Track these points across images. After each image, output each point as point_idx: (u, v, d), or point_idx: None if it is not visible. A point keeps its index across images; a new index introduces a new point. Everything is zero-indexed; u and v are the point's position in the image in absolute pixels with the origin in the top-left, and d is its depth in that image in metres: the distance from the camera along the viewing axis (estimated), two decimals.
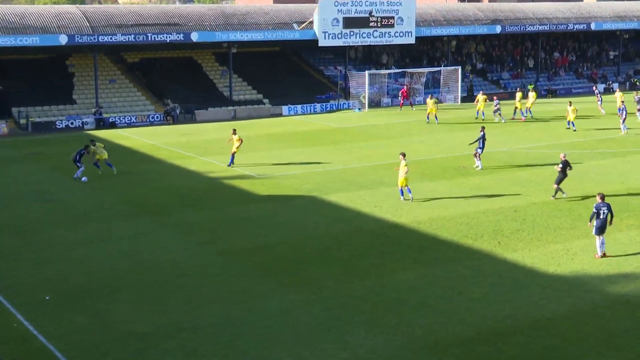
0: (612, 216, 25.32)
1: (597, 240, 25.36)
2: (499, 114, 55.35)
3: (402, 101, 63.67)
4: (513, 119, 56.26)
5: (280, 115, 61.86)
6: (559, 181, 32.81)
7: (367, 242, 27.30)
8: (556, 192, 32.89)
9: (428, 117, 55.35)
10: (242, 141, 41.04)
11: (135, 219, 30.67)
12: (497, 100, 56.79)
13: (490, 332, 19.78)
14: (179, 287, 23.16)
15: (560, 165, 32.77)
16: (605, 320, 20.44)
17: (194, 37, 60.13)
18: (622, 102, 53.20)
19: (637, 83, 78.88)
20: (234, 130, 41.85)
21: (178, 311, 21.32)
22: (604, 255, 25.21)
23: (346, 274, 24.10)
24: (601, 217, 25.05)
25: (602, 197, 25.31)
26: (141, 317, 20.94)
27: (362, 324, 20.35)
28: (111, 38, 57.32)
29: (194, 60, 67.10)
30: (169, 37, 59.31)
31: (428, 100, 56.42)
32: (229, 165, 40.33)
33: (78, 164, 37.77)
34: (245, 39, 62.28)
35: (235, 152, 40.63)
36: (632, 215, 30.22)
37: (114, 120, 57.05)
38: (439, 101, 63.79)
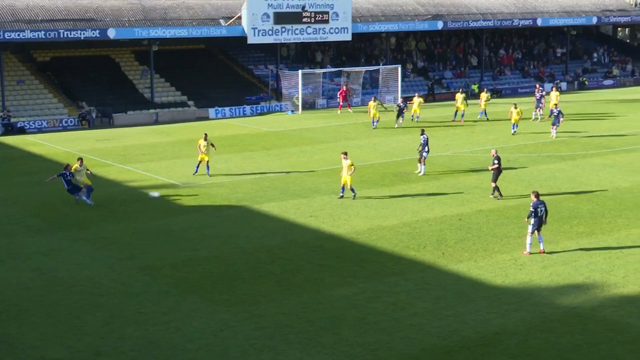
0: (546, 214, 27.02)
1: (530, 238, 26.97)
2: (402, 118, 55.02)
3: (341, 103, 63.77)
4: (454, 120, 56.94)
5: (206, 118, 61.60)
6: (496, 178, 34.47)
7: (303, 255, 27.32)
8: (494, 190, 34.55)
9: (373, 122, 54.88)
10: (214, 147, 40.23)
11: (48, 234, 30.18)
12: (403, 104, 55.87)
13: (435, 350, 19.95)
14: (97, 307, 22.84)
15: (496, 163, 34.32)
16: (556, 334, 20.79)
17: (111, 33, 59.51)
18: (556, 104, 54.40)
19: (586, 82, 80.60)
20: (205, 135, 39.97)
21: (96, 334, 21.02)
22: (542, 252, 26.91)
23: (280, 290, 24.08)
24: (538, 214, 26.75)
25: (537, 195, 27.04)
26: (55, 341, 20.58)
27: (297, 343, 20.34)
28: (19, 35, 56.36)
29: (111, 59, 66.39)
30: (84, 33, 58.59)
31: (370, 102, 55.81)
32: (208, 175, 39.39)
33: (70, 190, 34.07)
34: (168, 36, 61.91)
35: (203, 161, 39.39)
36: (582, 222, 30.87)
37: (22, 125, 56.07)
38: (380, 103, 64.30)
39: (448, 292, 23.76)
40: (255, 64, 71.32)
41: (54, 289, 24.37)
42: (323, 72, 67.91)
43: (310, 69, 68.78)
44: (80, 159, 35.37)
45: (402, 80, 69.38)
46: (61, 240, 29.33)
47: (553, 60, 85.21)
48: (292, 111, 64.05)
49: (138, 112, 60.85)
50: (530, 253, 26.92)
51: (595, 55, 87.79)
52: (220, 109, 62.57)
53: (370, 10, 72.81)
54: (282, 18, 64.34)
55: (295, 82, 64.68)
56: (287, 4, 64.43)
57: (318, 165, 42.00)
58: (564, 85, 78.92)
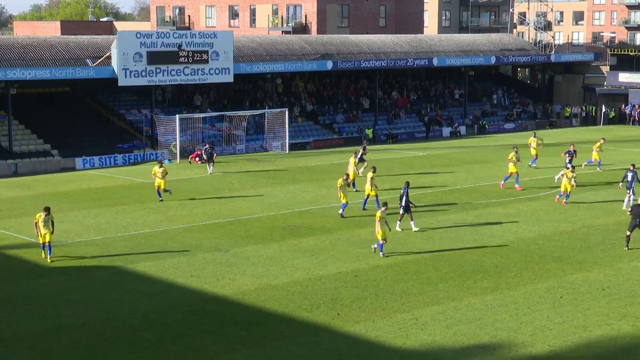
0: None
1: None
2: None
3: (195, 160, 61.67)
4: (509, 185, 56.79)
5: (73, 169, 60.61)
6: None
7: (183, 320, 27.00)
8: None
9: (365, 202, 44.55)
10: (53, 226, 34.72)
11: None
12: (205, 147, 53.17)
13: None
14: None
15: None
16: None
17: None
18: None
19: (486, 126, 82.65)
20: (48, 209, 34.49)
21: None
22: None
23: None
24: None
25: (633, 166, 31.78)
26: None
27: None
28: None
29: None
30: None
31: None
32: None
33: None
34: (28, 78, 60.77)
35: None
36: (486, 277, 31.44)
37: None
38: (264, 150, 64.41)
39: (344, 357, 23.77)
40: (128, 109, 70.71)
41: None
42: (203, 117, 67.81)
43: (189, 113, 68.60)
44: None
45: (290, 125, 69.84)
46: None
47: (451, 102, 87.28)
48: (169, 160, 63.64)
49: None
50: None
51: (494, 96, 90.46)
52: (88, 158, 61.63)
53: (253, 49, 73.24)
54: (157, 58, 64.04)
55: (173, 128, 64.36)
56: (162, 43, 64.20)
57: (199, 219, 41.72)
58: (463, 129, 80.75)
